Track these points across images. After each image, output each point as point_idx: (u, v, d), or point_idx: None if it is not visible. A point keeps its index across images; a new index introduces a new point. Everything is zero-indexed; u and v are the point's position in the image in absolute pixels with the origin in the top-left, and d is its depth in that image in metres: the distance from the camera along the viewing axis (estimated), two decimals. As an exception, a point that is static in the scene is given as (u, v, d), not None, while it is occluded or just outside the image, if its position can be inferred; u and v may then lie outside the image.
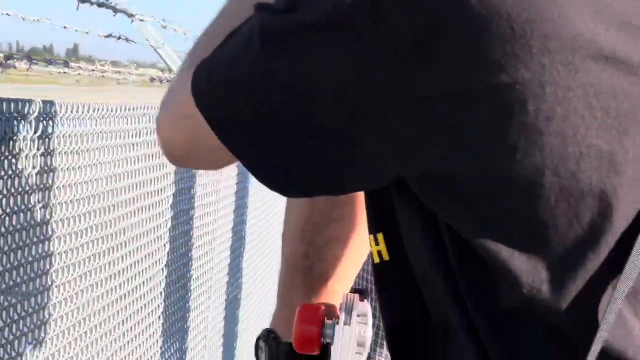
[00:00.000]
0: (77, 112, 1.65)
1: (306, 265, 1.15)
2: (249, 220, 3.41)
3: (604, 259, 0.79)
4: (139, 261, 2.08)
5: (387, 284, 0.90)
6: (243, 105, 0.83)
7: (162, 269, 2.28)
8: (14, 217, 1.47)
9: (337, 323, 1.05)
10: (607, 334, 0.78)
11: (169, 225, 2.30)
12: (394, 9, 0.77)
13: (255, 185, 3.35)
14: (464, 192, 0.80)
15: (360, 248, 1.14)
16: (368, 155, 0.82)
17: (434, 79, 0.77)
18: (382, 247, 0.89)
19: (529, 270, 0.79)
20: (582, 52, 0.76)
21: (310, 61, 0.80)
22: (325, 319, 1.07)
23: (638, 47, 0.78)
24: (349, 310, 1.04)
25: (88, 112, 1.69)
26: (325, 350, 1.06)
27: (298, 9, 0.80)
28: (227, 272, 3.11)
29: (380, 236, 0.89)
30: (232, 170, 3.09)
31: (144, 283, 2.12)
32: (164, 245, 2.28)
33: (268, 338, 1.15)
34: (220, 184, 2.92)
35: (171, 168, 2.26)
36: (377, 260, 0.89)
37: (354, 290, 1.11)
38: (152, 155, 2.09)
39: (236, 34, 0.85)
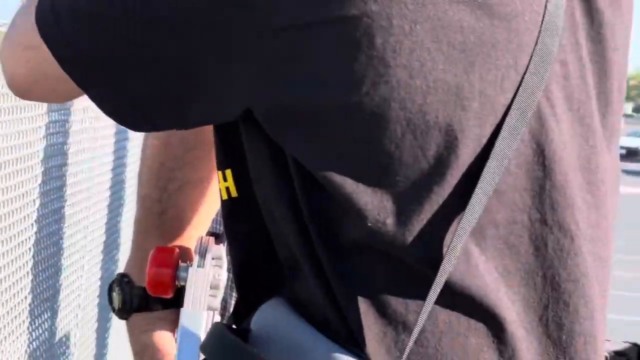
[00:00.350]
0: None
1: (159, 209, 1.14)
2: (127, 179, 3.35)
3: (450, 192, 0.79)
4: (7, 226, 2.02)
5: (235, 220, 0.89)
6: (86, 35, 0.82)
7: (32, 234, 2.21)
8: None
9: (191, 265, 1.03)
10: (452, 268, 0.78)
11: (39, 181, 2.24)
12: None
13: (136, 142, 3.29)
14: (310, 123, 0.79)
15: (216, 191, 1.12)
16: (210, 87, 0.81)
17: (278, 12, 0.77)
18: (230, 183, 0.87)
19: (373, 203, 0.78)
20: None
21: None
22: (179, 261, 1.05)
23: None
24: (203, 253, 1.03)
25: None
26: (179, 293, 1.04)
27: None
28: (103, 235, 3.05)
29: (228, 172, 0.87)
30: (110, 129, 3.03)
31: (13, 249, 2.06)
32: (35, 204, 2.22)
33: (121, 282, 1.13)
34: (96, 141, 2.86)
35: (41, 122, 2.20)
36: (225, 197, 0.88)
37: (210, 234, 1.10)
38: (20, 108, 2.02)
39: None
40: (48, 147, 2.29)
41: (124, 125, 0.86)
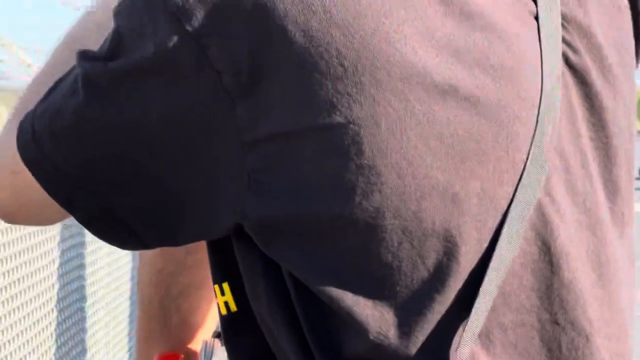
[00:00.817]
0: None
1: (162, 315, 1.10)
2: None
3: (453, 299, 0.76)
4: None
5: (235, 335, 0.85)
6: (69, 156, 0.80)
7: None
8: None
9: None
10: None
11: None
12: (217, 50, 0.75)
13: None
14: (303, 235, 0.76)
15: None
16: (198, 205, 0.78)
17: (261, 121, 0.75)
18: (229, 297, 0.84)
19: (375, 316, 0.75)
20: (412, 81, 0.74)
21: (133, 107, 0.77)
22: None
23: (471, 75, 0.75)
24: (208, 356, 1.00)
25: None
26: None
27: (120, 56, 0.77)
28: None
29: (225, 285, 0.84)
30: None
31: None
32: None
33: None
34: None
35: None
36: (223, 311, 0.85)
37: (217, 334, 1.06)
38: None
39: (60, 84, 0.82)
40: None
41: (113, 245, 0.83)
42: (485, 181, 0.75)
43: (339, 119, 0.73)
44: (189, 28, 0.74)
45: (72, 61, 0.82)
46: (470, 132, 0.75)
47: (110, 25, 0.84)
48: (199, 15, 0.74)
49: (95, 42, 0.83)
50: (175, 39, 0.74)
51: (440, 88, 0.74)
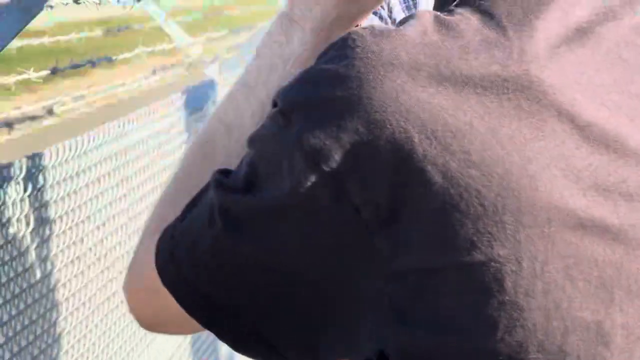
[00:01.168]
0: (65, 153, 1.61)
1: None
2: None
3: None
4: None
5: None
6: (210, 283, 0.81)
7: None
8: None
9: None
10: None
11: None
12: (355, 188, 0.74)
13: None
14: None
15: None
16: (337, 328, 0.79)
17: (400, 255, 0.75)
18: None
19: None
20: (557, 222, 0.73)
21: (272, 240, 0.78)
22: None
23: (615, 210, 0.74)
24: None
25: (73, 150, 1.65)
26: None
27: (255, 189, 0.78)
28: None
29: None
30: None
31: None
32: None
33: None
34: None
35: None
36: None
37: None
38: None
39: (196, 206, 0.83)
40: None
41: (249, 357, 0.85)
42: (632, 316, 0.75)
43: (479, 257, 0.73)
44: (326, 168, 0.74)
45: (205, 170, 0.85)
46: (619, 270, 0.74)
47: (237, 131, 0.87)
48: (336, 157, 0.74)
49: (224, 146, 0.89)
50: (312, 178, 0.74)
51: (588, 227, 0.73)
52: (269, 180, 0.77)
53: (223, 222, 0.78)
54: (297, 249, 0.77)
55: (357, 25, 0.92)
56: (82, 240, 1.67)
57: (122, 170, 1.93)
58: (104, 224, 1.80)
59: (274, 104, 0.78)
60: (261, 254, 0.78)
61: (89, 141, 1.71)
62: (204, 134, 0.93)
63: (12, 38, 1.33)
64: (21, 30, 1.33)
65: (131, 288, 0.89)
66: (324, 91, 0.75)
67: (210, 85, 2.81)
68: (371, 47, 0.74)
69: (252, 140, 0.79)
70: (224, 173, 0.82)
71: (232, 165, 0.85)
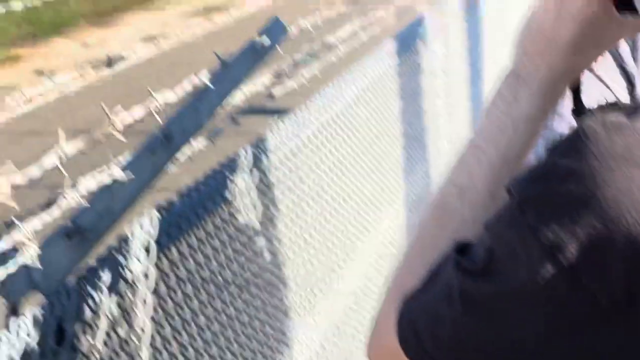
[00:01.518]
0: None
1: None
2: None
3: None
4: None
5: None
6: (451, 358, 0.83)
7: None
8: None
9: None
10: None
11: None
12: (592, 278, 0.75)
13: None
14: None
15: None
16: None
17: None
18: None
19: None
20: None
21: (509, 325, 0.80)
22: None
23: None
24: None
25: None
26: None
27: (493, 275, 0.80)
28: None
29: None
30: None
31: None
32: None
33: None
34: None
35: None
36: None
37: None
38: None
39: (434, 281, 0.86)
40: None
41: None
42: None
43: None
44: (563, 261, 0.75)
45: (440, 234, 0.89)
46: None
47: (470, 193, 0.91)
48: (572, 250, 0.75)
49: (456, 209, 0.92)
50: (549, 269, 0.76)
51: None
52: (506, 269, 0.79)
53: (461, 303, 0.81)
54: (532, 334, 0.79)
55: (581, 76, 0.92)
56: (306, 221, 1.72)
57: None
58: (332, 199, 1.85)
59: (508, 192, 0.80)
60: (498, 337, 0.80)
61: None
62: (437, 197, 0.95)
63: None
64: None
65: (375, 353, 0.93)
66: (558, 186, 0.76)
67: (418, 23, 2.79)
68: (604, 142, 0.76)
69: (489, 227, 0.82)
70: (462, 250, 0.83)
71: (466, 230, 0.86)
